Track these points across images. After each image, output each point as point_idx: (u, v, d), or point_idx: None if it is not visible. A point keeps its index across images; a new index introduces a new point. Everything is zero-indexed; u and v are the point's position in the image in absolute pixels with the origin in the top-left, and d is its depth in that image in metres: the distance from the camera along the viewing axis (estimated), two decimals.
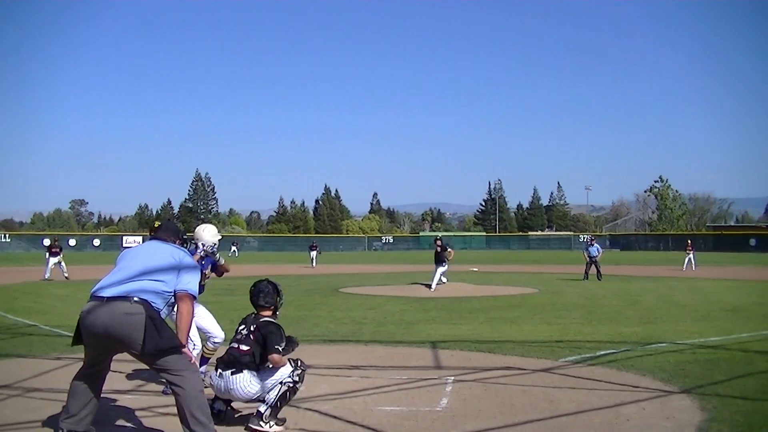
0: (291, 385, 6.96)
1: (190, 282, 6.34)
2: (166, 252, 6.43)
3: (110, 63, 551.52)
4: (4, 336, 13.32)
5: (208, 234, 9.06)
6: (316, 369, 9.73)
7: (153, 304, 6.02)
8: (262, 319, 7.15)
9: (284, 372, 6.99)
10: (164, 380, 6.25)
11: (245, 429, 6.88)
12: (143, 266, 6.22)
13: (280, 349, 6.96)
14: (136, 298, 5.94)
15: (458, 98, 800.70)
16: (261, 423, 6.80)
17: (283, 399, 6.93)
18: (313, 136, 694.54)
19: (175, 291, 6.25)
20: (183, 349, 6.10)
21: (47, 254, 33.70)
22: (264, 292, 7.31)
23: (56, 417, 6.54)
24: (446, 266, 26.06)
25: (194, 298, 6.40)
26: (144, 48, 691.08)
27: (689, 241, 45.53)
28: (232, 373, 6.89)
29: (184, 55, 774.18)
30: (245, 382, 6.89)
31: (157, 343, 5.85)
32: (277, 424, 6.85)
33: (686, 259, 42.96)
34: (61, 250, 33.96)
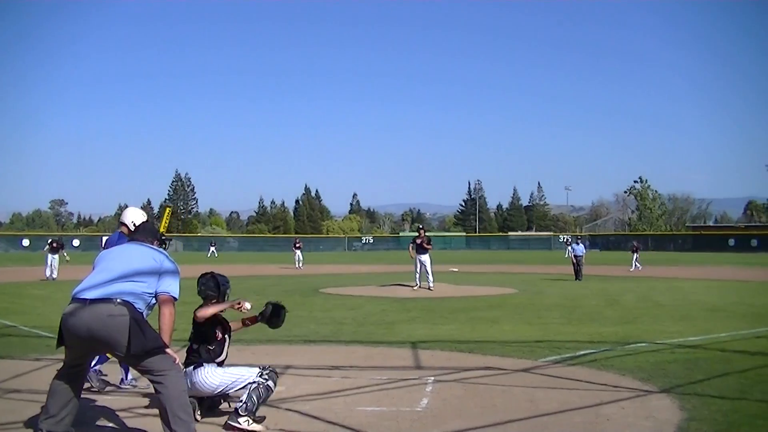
0: (263, 383, 6.96)
1: (172, 285, 6.35)
2: (147, 255, 6.43)
3: (89, 63, 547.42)
4: None
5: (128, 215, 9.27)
6: (297, 369, 9.75)
7: (135, 306, 6.01)
8: None
9: (250, 372, 7.04)
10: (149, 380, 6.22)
11: (224, 427, 6.89)
12: (124, 268, 6.20)
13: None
14: (119, 300, 5.92)
15: (438, 98, 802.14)
16: (239, 420, 6.80)
17: (258, 397, 6.91)
18: (293, 136, 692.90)
19: (156, 293, 6.26)
20: (167, 350, 6.10)
21: (46, 248, 33.30)
22: (202, 283, 7.46)
23: (36, 418, 6.51)
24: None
25: (176, 300, 6.38)
26: (122, 47, 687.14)
27: (635, 243, 46.05)
28: (194, 368, 7.01)
29: (163, 55, 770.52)
30: (207, 375, 6.99)
31: (143, 344, 5.85)
32: (256, 421, 6.85)
33: (633, 259, 43.35)
34: (61, 247, 33.68)
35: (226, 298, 7.50)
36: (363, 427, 6.92)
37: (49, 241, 34.52)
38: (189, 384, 6.91)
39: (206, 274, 7.57)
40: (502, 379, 9.15)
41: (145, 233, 6.87)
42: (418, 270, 25.12)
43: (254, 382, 6.94)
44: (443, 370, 9.75)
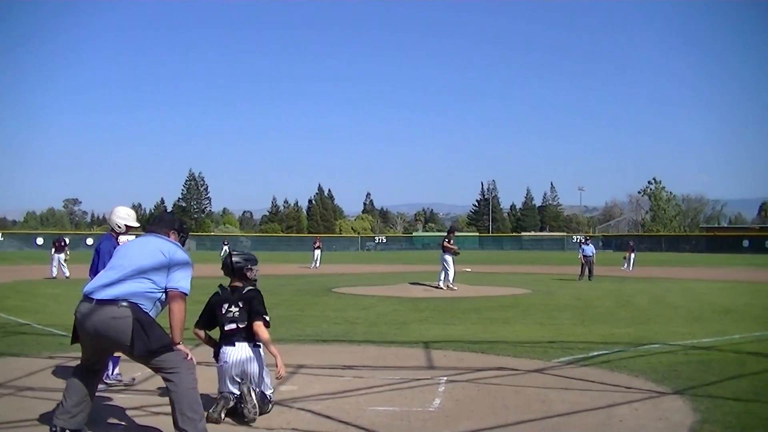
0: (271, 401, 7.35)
1: (182, 280, 6.25)
2: (155, 249, 6.33)
3: (103, 62, 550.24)
4: None
5: (114, 215, 9.16)
6: (309, 369, 9.76)
7: (141, 306, 6.02)
8: (246, 291, 7.49)
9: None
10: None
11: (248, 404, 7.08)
12: (133, 266, 6.18)
13: (268, 319, 7.43)
14: (123, 303, 5.94)
15: (451, 98, 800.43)
16: (252, 395, 7.08)
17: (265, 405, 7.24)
18: (306, 136, 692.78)
19: (166, 289, 6.20)
20: (178, 346, 6.12)
21: (53, 250, 33.11)
22: (246, 259, 7.73)
23: (49, 415, 6.55)
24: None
25: (186, 295, 6.30)
26: (136, 47, 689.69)
27: (631, 243, 45.78)
28: (254, 346, 7.32)
29: (177, 55, 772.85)
30: (262, 356, 7.37)
31: (146, 344, 5.89)
32: (263, 408, 7.17)
33: (629, 259, 42.81)
34: (65, 245, 33.56)
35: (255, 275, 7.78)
36: (375, 426, 6.93)
37: (53, 241, 34.53)
38: (244, 358, 7.27)
39: (230, 255, 7.74)
40: (514, 380, 9.14)
41: (160, 224, 6.76)
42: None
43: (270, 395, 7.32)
44: (456, 371, 9.75)
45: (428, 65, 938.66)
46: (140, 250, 6.37)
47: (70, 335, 6.34)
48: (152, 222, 6.84)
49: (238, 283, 7.60)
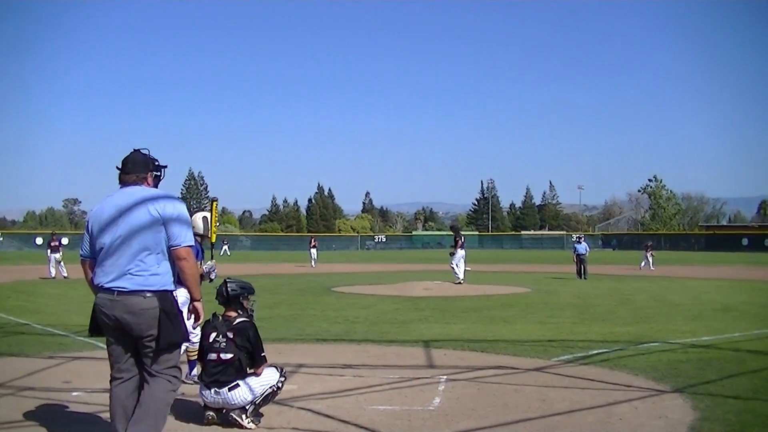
0: (275, 389, 7.11)
1: (181, 235, 5.67)
2: (143, 209, 5.64)
3: (102, 62, 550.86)
4: None
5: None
6: (309, 368, 9.75)
7: (165, 290, 5.63)
8: (236, 322, 7.14)
9: (272, 378, 7.12)
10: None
11: (227, 416, 6.94)
12: (133, 245, 5.59)
13: (266, 356, 7.19)
14: (148, 293, 5.53)
15: (451, 97, 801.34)
16: (243, 416, 6.89)
17: (266, 400, 7.06)
18: (306, 135, 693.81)
19: (169, 249, 5.67)
20: (196, 303, 5.85)
21: (48, 250, 32.67)
22: (241, 287, 7.36)
23: (49, 416, 6.51)
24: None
25: (191, 246, 5.78)
26: (136, 47, 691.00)
27: (649, 243, 45.50)
28: (230, 390, 6.90)
29: (177, 54, 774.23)
30: (243, 394, 6.92)
31: (172, 337, 5.60)
32: (253, 422, 6.93)
33: (646, 259, 42.35)
34: (60, 245, 33.04)
35: (251, 305, 7.51)
36: (375, 425, 6.94)
37: (48, 240, 34.25)
38: (221, 403, 6.93)
39: (225, 282, 7.35)
40: (514, 379, 9.15)
41: (135, 170, 5.92)
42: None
43: (272, 386, 7.08)
44: (456, 369, 9.76)
45: (427, 64, 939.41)
46: (130, 218, 5.64)
47: (88, 327, 5.85)
48: (126, 168, 5.94)
49: (231, 313, 7.24)
